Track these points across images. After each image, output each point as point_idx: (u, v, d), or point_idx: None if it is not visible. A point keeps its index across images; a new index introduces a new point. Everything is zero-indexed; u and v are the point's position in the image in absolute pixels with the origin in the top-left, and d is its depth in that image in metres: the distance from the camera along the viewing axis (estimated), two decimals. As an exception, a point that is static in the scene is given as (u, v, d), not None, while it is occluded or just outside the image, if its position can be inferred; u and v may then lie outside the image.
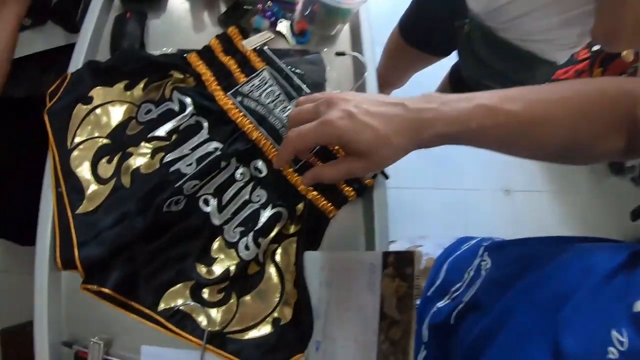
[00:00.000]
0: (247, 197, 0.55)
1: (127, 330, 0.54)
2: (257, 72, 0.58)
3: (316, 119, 0.40)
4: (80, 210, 0.52)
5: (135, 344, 0.54)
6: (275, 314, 0.53)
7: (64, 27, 0.74)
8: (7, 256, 1.22)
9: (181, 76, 0.58)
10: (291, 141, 0.40)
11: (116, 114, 0.58)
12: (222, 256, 0.53)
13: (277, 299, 0.53)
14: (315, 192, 0.55)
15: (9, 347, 0.86)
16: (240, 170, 0.55)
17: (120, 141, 0.55)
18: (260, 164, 0.56)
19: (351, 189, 0.55)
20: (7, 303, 1.17)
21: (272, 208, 0.54)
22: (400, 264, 0.40)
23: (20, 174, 0.53)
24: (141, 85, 0.59)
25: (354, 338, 0.45)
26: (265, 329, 0.52)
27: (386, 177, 0.57)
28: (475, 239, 0.62)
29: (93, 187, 0.53)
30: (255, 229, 0.53)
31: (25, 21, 0.71)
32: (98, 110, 0.57)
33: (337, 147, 0.56)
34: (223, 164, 0.53)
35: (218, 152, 0.54)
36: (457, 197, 1.64)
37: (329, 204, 0.54)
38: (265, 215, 0.54)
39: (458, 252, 0.60)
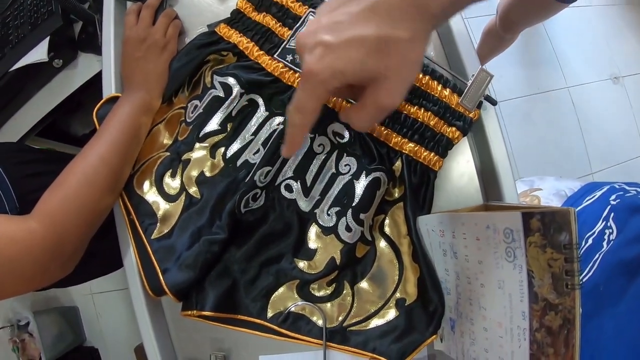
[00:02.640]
0: (333, 169, 0.46)
1: (241, 343, 0.50)
2: (302, 19, 0.47)
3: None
4: (155, 235, 0.47)
5: (253, 356, 0.50)
6: (398, 294, 0.45)
7: (95, 53, 0.71)
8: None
9: (218, 56, 0.51)
10: (296, 124, 0.31)
11: (170, 125, 0.52)
12: (321, 245, 0.46)
13: (397, 277, 0.45)
14: (411, 144, 0.44)
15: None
16: (317, 141, 0.46)
17: (176, 151, 0.50)
18: (337, 126, 0.46)
19: (454, 128, 0.44)
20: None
21: (367, 175, 0.44)
22: (549, 228, 0.29)
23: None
24: (185, 86, 0.53)
25: (497, 321, 0.36)
26: (390, 314, 0.45)
27: (493, 103, 0.45)
28: (602, 188, 0.50)
29: (163, 206, 0.48)
30: (353, 205, 0.44)
31: (56, 63, 0.67)
32: (154, 130, 0.52)
33: None
34: None
35: (282, 127, 0.46)
36: (563, 97, 1.49)
37: (432, 154, 0.44)
38: (361, 185, 0.45)
39: (579, 208, 0.48)
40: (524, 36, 1.33)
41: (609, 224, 0.39)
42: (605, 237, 0.39)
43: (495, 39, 1.09)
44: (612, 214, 0.40)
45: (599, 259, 0.37)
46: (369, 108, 0.30)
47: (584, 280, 0.37)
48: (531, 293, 0.31)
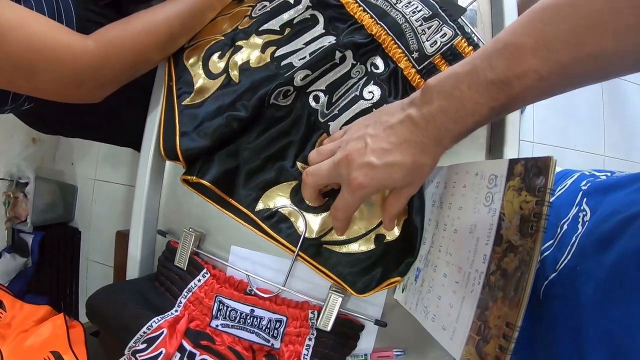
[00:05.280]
0: (357, 92, 0.49)
1: (220, 229, 0.53)
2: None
3: (341, 183, 0.40)
4: (186, 101, 0.51)
5: (227, 243, 0.53)
6: (381, 230, 0.47)
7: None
8: (136, 170, 1.37)
9: None
10: (338, 217, 0.44)
11: (234, 18, 0.56)
12: None
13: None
14: None
15: (121, 247, 0.95)
16: (356, 68, 0.50)
17: (232, 38, 0.53)
18: (378, 60, 0.49)
19: None
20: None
21: None
22: (530, 173, 0.30)
23: (146, 77, 0.54)
24: None
25: (458, 266, 0.37)
26: (366, 245, 0.47)
27: None
28: (572, 175, 0.51)
29: (202, 81, 0.52)
30: None
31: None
32: (218, 18, 0.55)
33: None
34: (338, 54, 0.48)
35: (333, 42, 0.49)
36: (596, 162, 1.49)
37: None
38: None
39: (552, 198, 0.49)
40: (580, 91, 1.32)
41: (582, 208, 0.41)
42: (580, 219, 0.40)
43: None
44: (585, 199, 0.42)
45: (576, 242, 0.38)
46: (402, 201, 0.42)
47: (563, 264, 0.39)
48: (497, 236, 0.32)
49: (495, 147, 0.50)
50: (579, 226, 0.39)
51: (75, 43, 0.44)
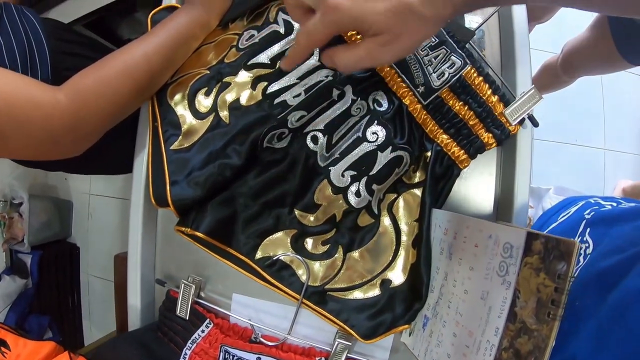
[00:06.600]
0: (359, 133, 0.46)
1: (221, 275, 0.51)
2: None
3: (316, 7, 0.32)
4: (174, 146, 0.47)
5: (228, 290, 0.51)
6: (386, 275, 0.45)
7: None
8: (130, 183, 1.36)
9: None
10: (301, 44, 0.34)
11: (220, 48, 0.52)
12: (326, 202, 0.46)
13: (390, 258, 0.45)
14: (445, 136, 0.44)
15: (120, 269, 0.93)
16: (356, 105, 0.46)
17: (218, 72, 0.49)
18: (380, 96, 0.46)
19: (491, 135, 0.44)
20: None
21: (393, 151, 0.44)
22: (550, 254, 0.28)
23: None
24: (245, 16, 0.52)
25: (469, 329, 0.36)
26: (372, 291, 0.45)
27: (535, 124, 0.45)
28: (577, 203, 0.49)
29: (190, 122, 0.48)
30: (370, 174, 0.44)
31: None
32: (202, 48, 0.51)
33: None
34: (336, 92, 0.45)
35: (330, 79, 0.45)
36: (597, 157, 1.46)
37: (462, 151, 0.44)
38: (384, 158, 0.44)
39: (554, 225, 0.47)
40: (579, 84, 1.31)
41: (584, 239, 0.39)
42: (582, 252, 0.38)
43: (552, 77, 1.07)
44: (588, 229, 0.40)
45: (576, 273, 0.37)
46: (359, 54, 0.32)
47: None
48: (511, 312, 0.31)
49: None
50: (581, 259, 0.37)
51: (44, 99, 0.40)
